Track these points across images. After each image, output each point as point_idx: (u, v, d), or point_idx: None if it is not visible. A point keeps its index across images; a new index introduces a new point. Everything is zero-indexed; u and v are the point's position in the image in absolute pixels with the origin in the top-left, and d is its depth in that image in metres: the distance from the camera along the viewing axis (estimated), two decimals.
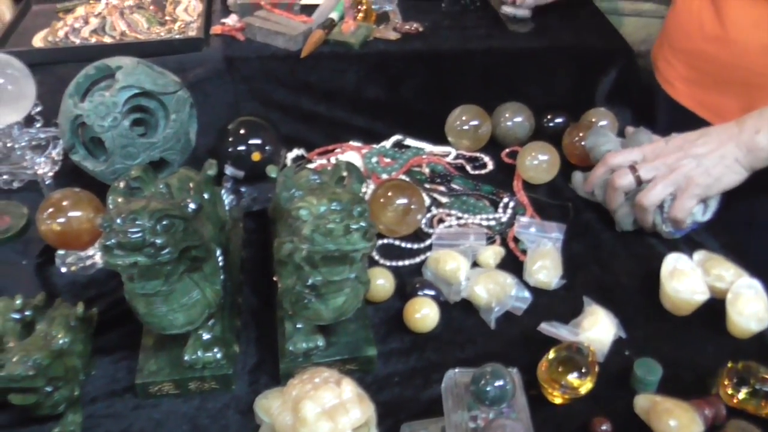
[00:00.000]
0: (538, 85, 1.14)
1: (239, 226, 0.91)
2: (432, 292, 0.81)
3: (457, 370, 0.67)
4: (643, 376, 0.71)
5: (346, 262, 0.64)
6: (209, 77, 1.04)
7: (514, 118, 1.07)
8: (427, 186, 1.00)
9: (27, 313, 0.69)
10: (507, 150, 1.08)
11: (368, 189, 0.98)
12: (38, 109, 0.97)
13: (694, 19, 1.02)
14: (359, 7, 1.13)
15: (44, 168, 0.93)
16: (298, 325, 0.72)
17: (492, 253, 0.87)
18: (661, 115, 1.11)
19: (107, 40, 1.09)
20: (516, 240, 0.91)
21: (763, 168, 0.85)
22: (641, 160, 0.89)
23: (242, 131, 0.97)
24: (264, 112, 1.07)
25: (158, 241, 0.59)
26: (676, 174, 0.85)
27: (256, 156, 0.95)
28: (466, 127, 1.06)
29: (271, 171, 0.76)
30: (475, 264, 0.86)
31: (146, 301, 0.65)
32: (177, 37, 1.09)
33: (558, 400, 0.70)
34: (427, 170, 1.03)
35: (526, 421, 0.63)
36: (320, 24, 1.09)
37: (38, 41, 1.09)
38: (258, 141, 0.96)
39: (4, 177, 0.97)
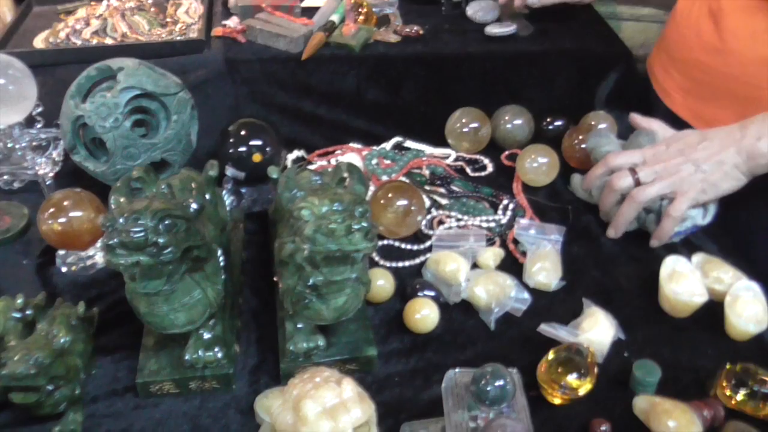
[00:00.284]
0: (537, 88, 1.14)
1: (240, 227, 0.91)
2: (432, 293, 0.81)
3: (457, 370, 0.67)
4: (642, 377, 0.71)
5: (348, 262, 0.64)
6: (210, 79, 1.04)
7: (514, 121, 1.08)
8: (427, 188, 1.01)
9: (28, 312, 0.70)
10: (507, 152, 1.09)
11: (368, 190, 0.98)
12: (39, 109, 0.97)
13: (692, 29, 1.02)
14: (360, 9, 1.13)
15: (45, 168, 0.93)
16: (299, 325, 0.72)
17: (492, 255, 0.87)
18: None
19: (108, 41, 1.09)
20: (516, 242, 0.91)
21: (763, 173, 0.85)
22: (641, 163, 0.89)
23: (243, 133, 0.97)
24: (264, 113, 1.08)
25: (160, 240, 0.59)
26: (675, 178, 0.86)
27: (256, 157, 0.96)
28: (466, 130, 1.07)
29: (273, 172, 0.76)
30: (474, 265, 0.87)
31: (147, 301, 0.65)
32: (178, 38, 1.09)
33: (557, 401, 0.70)
34: (427, 172, 1.04)
35: (526, 421, 0.63)
36: (321, 26, 1.10)
37: (39, 42, 1.09)
38: (258, 142, 0.96)
39: (5, 177, 0.97)
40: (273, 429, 0.63)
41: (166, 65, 0.92)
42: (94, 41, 1.09)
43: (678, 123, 1.03)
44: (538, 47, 1.13)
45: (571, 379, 0.69)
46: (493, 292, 0.81)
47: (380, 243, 0.90)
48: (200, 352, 0.71)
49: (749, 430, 0.66)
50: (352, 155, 1.06)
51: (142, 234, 0.58)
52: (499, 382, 0.63)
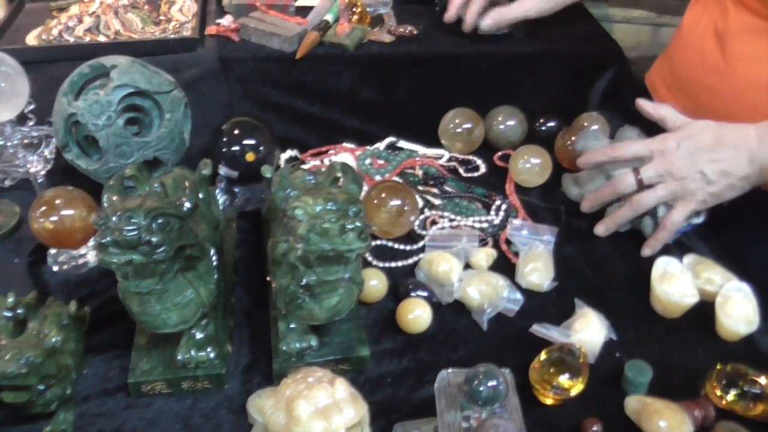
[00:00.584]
0: (530, 89, 1.15)
1: (233, 226, 0.91)
2: (425, 293, 0.81)
3: (450, 370, 0.67)
4: (633, 377, 0.71)
5: (341, 262, 0.64)
6: (204, 77, 1.04)
7: (507, 122, 1.08)
8: (421, 188, 1.01)
9: (19, 311, 0.69)
10: (500, 153, 1.09)
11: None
12: (31, 107, 0.96)
13: (696, 47, 0.99)
14: (354, 9, 1.13)
15: (37, 166, 0.92)
16: (292, 325, 0.72)
17: (484, 255, 0.87)
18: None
19: (101, 39, 1.08)
20: (508, 242, 0.92)
21: None
22: (648, 157, 0.85)
23: (236, 132, 0.97)
24: (258, 112, 1.07)
25: (153, 239, 0.59)
26: (679, 186, 0.84)
27: (250, 156, 0.95)
28: (459, 130, 1.07)
29: (266, 171, 0.76)
30: (467, 266, 0.87)
31: (140, 300, 0.65)
32: (172, 36, 1.09)
33: (549, 401, 0.71)
34: (420, 172, 1.04)
35: (519, 421, 0.63)
36: (315, 26, 1.09)
37: (32, 39, 1.08)
38: (252, 141, 0.96)
39: None
40: (265, 429, 0.63)
41: (160, 63, 0.92)
42: (87, 38, 1.08)
43: None
44: (532, 48, 1.13)
45: (563, 379, 0.69)
46: (485, 293, 0.81)
47: (373, 243, 0.90)
48: (192, 352, 0.70)
49: (740, 430, 0.66)
50: (345, 155, 1.06)
51: (135, 233, 0.58)
52: (492, 383, 0.63)
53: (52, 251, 0.86)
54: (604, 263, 0.90)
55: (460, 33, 1.13)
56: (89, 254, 0.86)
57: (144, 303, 0.65)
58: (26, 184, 0.95)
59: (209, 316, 0.72)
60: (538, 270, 0.85)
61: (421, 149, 1.09)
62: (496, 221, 0.95)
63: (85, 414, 0.70)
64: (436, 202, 0.98)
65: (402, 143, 1.10)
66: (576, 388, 0.69)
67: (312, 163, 1.05)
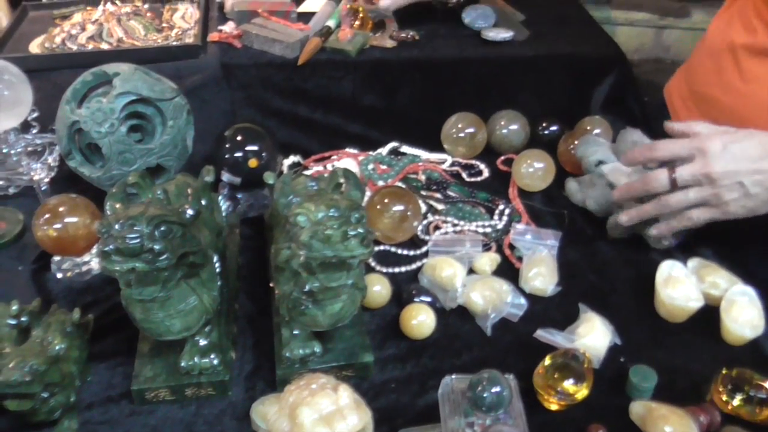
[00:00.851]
0: (533, 93, 1.15)
1: (236, 233, 0.91)
2: (428, 299, 0.81)
3: (453, 376, 0.67)
4: (638, 382, 0.71)
5: (344, 268, 0.64)
6: (206, 84, 1.04)
7: (510, 126, 1.08)
8: (424, 193, 1.01)
9: (23, 319, 0.69)
10: (502, 157, 1.09)
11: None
12: (35, 115, 0.97)
13: (714, 63, 0.97)
14: (356, 15, 1.13)
15: (40, 174, 0.93)
16: (295, 332, 0.72)
17: (488, 260, 0.87)
18: None
19: (104, 46, 1.09)
20: (512, 247, 0.91)
21: None
22: (687, 156, 0.80)
23: (239, 138, 0.97)
24: (261, 119, 1.08)
25: (156, 246, 0.59)
26: (713, 194, 0.79)
27: (252, 163, 0.95)
28: (461, 135, 1.07)
29: (269, 177, 0.76)
30: (471, 271, 0.87)
31: (143, 307, 0.65)
32: (174, 44, 1.09)
33: (554, 407, 0.70)
34: (423, 177, 1.04)
35: (523, 427, 0.63)
36: (317, 32, 1.10)
37: (35, 47, 1.09)
38: (255, 148, 0.96)
39: (0, 183, 0.96)
40: None
41: (162, 70, 0.92)
42: (90, 46, 1.09)
43: None
44: (534, 52, 1.13)
45: (568, 384, 0.69)
46: (489, 298, 0.81)
47: (376, 248, 0.90)
48: (196, 359, 0.70)
49: None
50: (348, 160, 1.06)
51: (137, 240, 0.58)
52: (496, 389, 0.63)
53: (56, 258, 0.86)
54: (608, 267, 0.89)
55: (463, 38, 1.13)
56: (93, 261, 0.86)
57: (147, 310, 0.65)
58: (30, 191, 0.95)
59: (212, 322, 0.72)
60: (541, 275, 0.85)
61: (424, 154, 1.09)
62: (500, 226, 0.95)
63: (88, 421, 0.70)
64: (439, 207, 0.98)
65: (405, 148, 1.10)
66: (580, 393, 0.69)
67: (315, 168, 1.06)
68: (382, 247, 0.91)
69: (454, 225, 0.95)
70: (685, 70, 1.10)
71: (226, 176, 0.96)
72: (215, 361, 0.71)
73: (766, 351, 0.77)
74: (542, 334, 0.78)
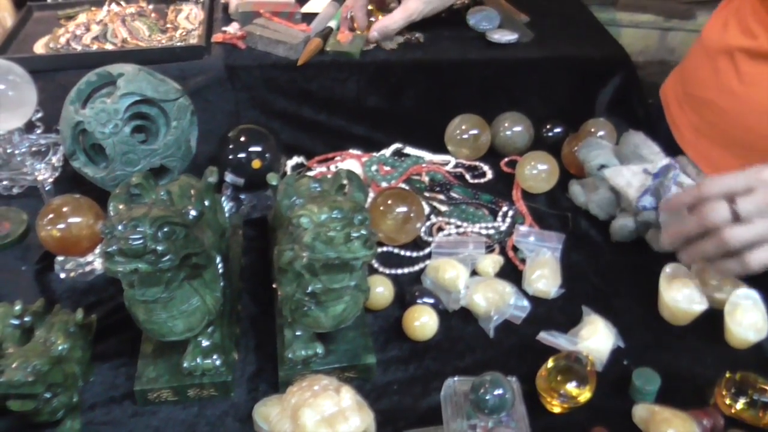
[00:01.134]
0: (537, 95, 1.14)
1: (239, 234, 0.91)
2: (431, 301, 0.81)
3: (456, 378, 0.67)
4: (641, 385, 0.71)
5: (347, 270, 0.64)
6: (210, 85, 1.04)
7: (514, 128, 1.08)
8: (427, 194, 1.01)
9: (26, 319, 0.69)
10: (506, 159, 1.09)
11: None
12: (39, 115, 0.97)
13: (710, 64, 0.96)
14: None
15: (44, 174, 0.93)
16: (298, 333, 0.72)
17: (491, 262, 0.87)
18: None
19: (108, 47, 1.09)
20: (515, 249, 0.91)
21: None
22: (743, 190, 0.71)
23: (242, 139, 0.97)
24: (264, 120, 1.08)
25: (159, 248, 0.59)
26: None
27: (256, 164, 0.96)
28: (465, 136, 1.07)
29: (272, 179, 0.76)
30: (474, 273, 0.86)
31: (146, 308, 0.65)
32: (178, 44, 1.09)
33: (557, 410, 0.70)
34: (426, 179, 1.04)
35: (525, 430, 0.63)
36: (318, 32, 1.10)
37: (39, 48, 1.09)
38: (258, 149, 0.96)
39: (4, 183, 0.97)
40: None
41: (166, 71, 0.92)
42: (95, 47, 1.09)
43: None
44: (538, 54, 1.13)
45: (571, 387, 0.69)
46: (492, 300, 0.80)
47: (379, 250, 0.90)
48: (199, 360, 0.71)
49: None
50: (351, 161, 1.06)
51: (140, 241, 0.58)
52: (499, 391, 0.63)
53: (60, 259, 0.86)
54: (611, 270, 0.89)
55: (467, 39, 1.13)
56: (96, 262, 0.86)
57: (150, 311, 0.65)
58: (34, 191, 0.96)
59: (215, 323, 0.72)
60: (545, 277, 0.84)
61: (428, 155, 1.09)
62: (503, 228, 0.95)
63: (91, 422, 0.70)
64: (443, 208, 0.98)
65: (408, 150, 1.10)
66: (583, 396, 0.69)
67: (318, 169, 1.06)
68: (385, 249, 0.91)
69: (458, 227, 0.95)
70: (679, 71, 1.09)
71: (229, 177, 0.96)
72: (218, 362, 0.71)
73: None
74: (545, 337, 0.77)
